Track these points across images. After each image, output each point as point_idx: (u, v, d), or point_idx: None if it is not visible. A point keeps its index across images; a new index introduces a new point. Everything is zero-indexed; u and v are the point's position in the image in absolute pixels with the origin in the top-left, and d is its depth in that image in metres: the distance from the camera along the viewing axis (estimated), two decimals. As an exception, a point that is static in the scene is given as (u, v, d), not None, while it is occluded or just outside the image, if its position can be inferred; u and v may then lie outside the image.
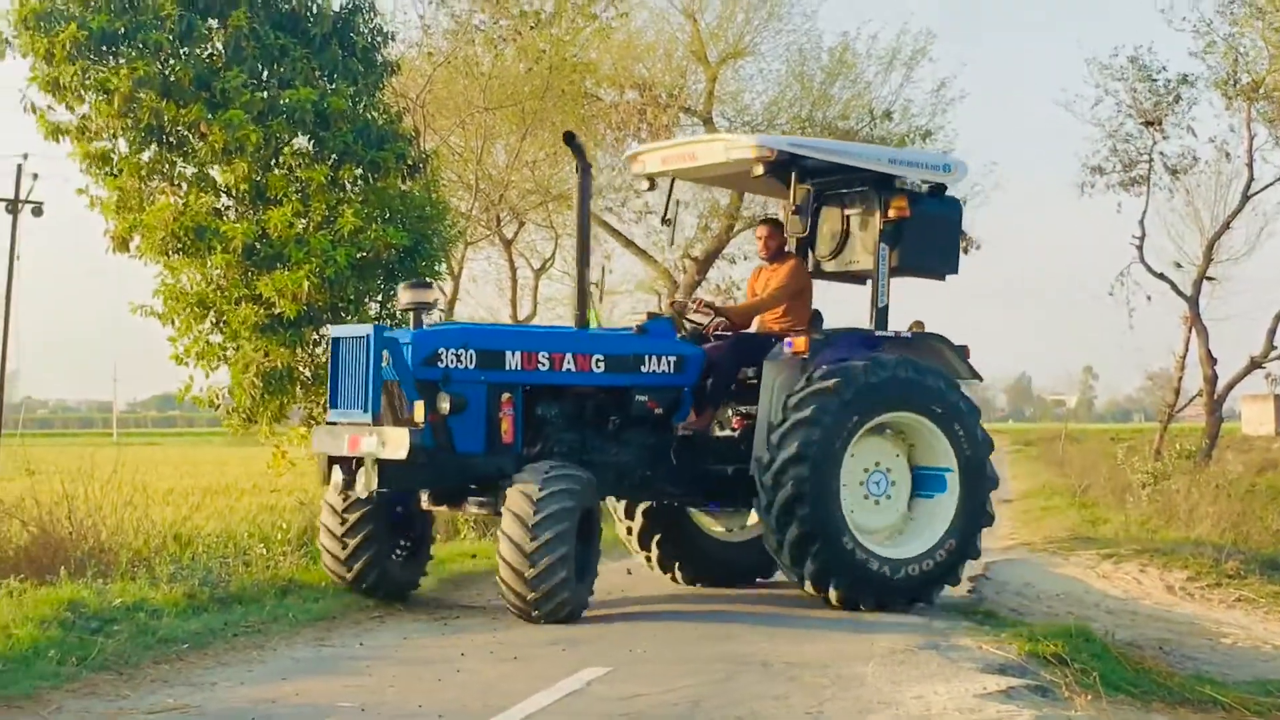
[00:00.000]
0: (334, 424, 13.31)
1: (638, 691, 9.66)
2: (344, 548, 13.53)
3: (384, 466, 12.65)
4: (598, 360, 13.80)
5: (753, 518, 15.17)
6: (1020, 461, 69.04)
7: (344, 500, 13.46)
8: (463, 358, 13.08)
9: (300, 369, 18.13)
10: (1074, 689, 10.39)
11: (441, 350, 13.01)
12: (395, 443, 12.60)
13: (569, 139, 13.97)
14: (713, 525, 15.67)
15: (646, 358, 14.07)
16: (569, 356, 13.64)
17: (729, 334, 14.74)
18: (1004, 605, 15.37)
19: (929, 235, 14.60)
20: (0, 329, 46.34)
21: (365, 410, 12.89)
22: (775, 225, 15.07)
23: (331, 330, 13.81)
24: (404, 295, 13.51)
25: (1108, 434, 66.98)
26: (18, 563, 13.02)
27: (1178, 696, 11.77)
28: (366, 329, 13.03)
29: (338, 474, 13.13)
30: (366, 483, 12.76)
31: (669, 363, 14.20)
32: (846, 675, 10.33)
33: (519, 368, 13.40)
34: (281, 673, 10.31)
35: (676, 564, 15.54)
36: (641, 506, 15.36)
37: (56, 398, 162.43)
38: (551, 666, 10.47)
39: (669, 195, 15.09)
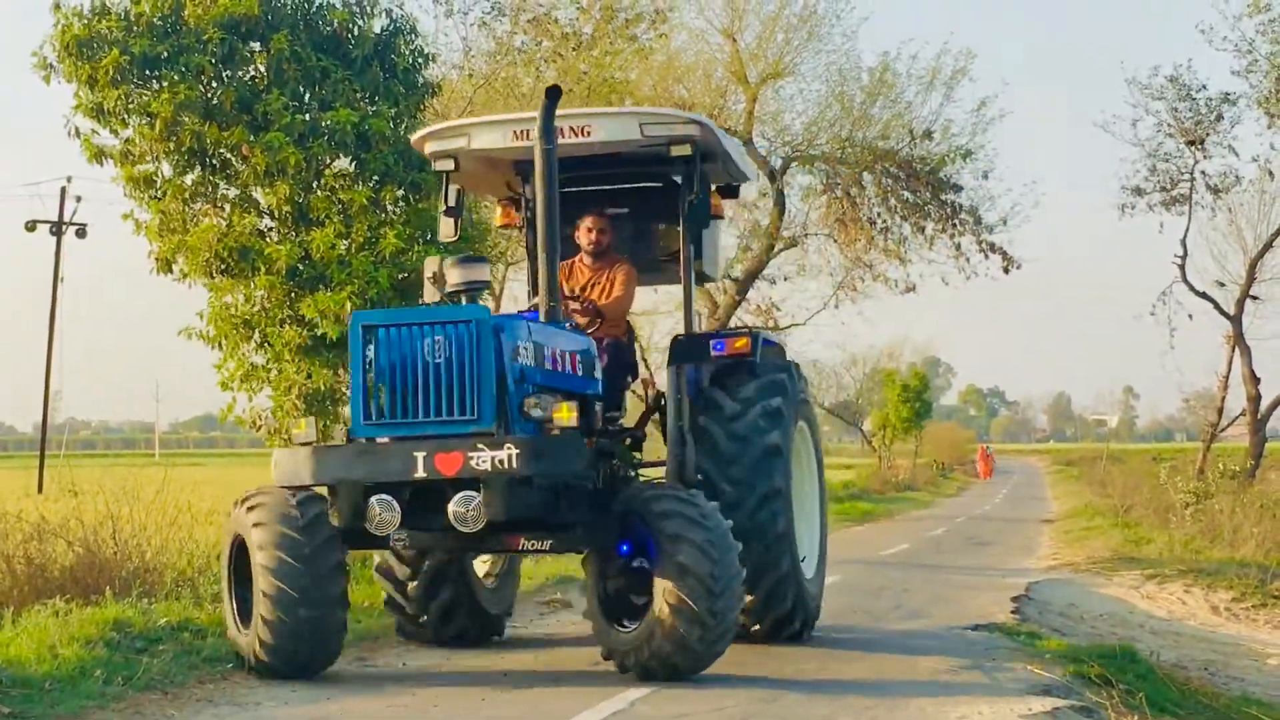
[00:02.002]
0: (373, 440, 10.45)
1: (683, 711, 9.64)
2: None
3: (508, 492, 10.08)
4: (576, 359, 11.68)
5: (500, 562, 13.34)
6: (1062, 482, 68.85)
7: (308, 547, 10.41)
8: (527, 352, 10.79)
9: (343, 390, 18.16)
10: (1119, 710, 10.34)
11: (519, 343, 10.71)
12: (561, 453, 10.23)
13: (554, 94, 11.03)
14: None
15: (595, 360, 12.08)
16: (565, 355, 11.45)
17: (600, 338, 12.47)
18: (1048, 626, 15.34)
19: (710, 238, 13.33)
20: (44, 350, 46.66)
21: (479, 416, 10.23)
22: (608, 220, 12.78)
23: (362, 316, 10.74)
24: (453, 273, 10.89)
25: (1149, 454, 66.76)
26: (63, 583, 13.07)
27: (1224, 718, 11.72)
28: (476, 310, 10.60)
29: (384, 510, 10.17)
30: (484, 511, 10.02)
31: (600, 368, 12.20)
32: (891, 696, 10.31)
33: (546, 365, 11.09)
34: (326, 692, 10.33)
35: (452, 618, 12.65)
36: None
37: (99, 418, 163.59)
38: (595, 686, 10.46)
39: (446, 182, 12.73)
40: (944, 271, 35.31)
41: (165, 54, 17.41)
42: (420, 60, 19.29)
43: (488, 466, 9.93)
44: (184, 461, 56.38)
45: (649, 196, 13.21)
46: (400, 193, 17.93)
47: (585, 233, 12.68)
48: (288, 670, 10.47)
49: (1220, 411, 37.86)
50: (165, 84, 17.39)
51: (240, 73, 18.03)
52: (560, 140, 11.56)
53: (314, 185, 17.70)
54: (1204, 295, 36.16)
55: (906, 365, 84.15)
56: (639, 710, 9.71)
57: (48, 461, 41.36)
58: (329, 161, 17.90)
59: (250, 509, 10.58)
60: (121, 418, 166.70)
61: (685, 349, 12.74)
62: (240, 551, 10.76)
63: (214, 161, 17.91)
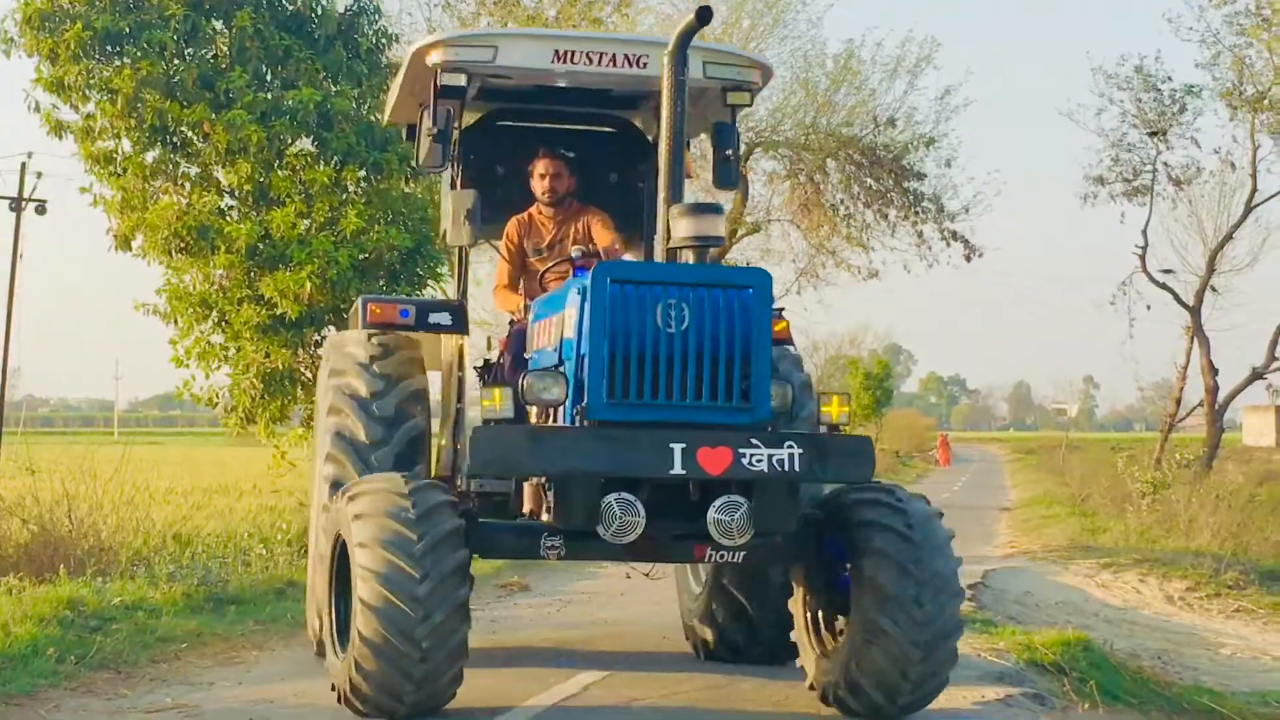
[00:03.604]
0: (613, 424, 8.32)
1: (635, 696, 9.65)
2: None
3: (784, 500, 8.49)
4: None
5: None
6: (1021, 470, 69.08)
7: None
8: None
9: (301, 370, 18.12)
10: (1072, 698, 10.40)
11: None
12: (850, 458, 8.52)
13: (705, 15, 8.66)
14: None
15: None
16: None
17: None
18: (1003, 613, 15.37)
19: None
20: (3, 326, 46.39)
21: (754, 405, 8.44)
22: (564, 163, 10.79)
23: (609, 269, 8.57)
24: (681, 224, 8.59)
25: (1108, 443, 67.04)
26: (17, 561, 13.03)
27: (1176, 706, 11.75)
28: (756, 274, 8.76)
29: (626, 512, 8.13)
30: (750, 521, 8.27)
31: None
32: (844, 682, 10.33)
33: None
34: (280, 674, 10.30)
35: None
36: None
37: (58, 396, 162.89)
38: (548, 671, 10.47)
39: (437, 98, 10.03)
40: (906, 259, 35.35)
41: (127, 29, 17.34)
42: (384, 41, 19.27)
43: (764, 467, 8.21)
44: (143, 440, 56.28)
45: (597, 142, 11.33)
46: (362, 173, 17.89)
47: (538, 179, 10.75)
48: (391, 703, 8.35)
49: (1178, 402, 38.02)
50: (127, 60, 17.32)
51: (203, 50, 17.97)
52: (603, 69, 10.05)
53: (275, 164, 17.65)
54: (1164, 286, 36.32)
55: (868, 352, 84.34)
56: (591, 694, 9.72)
57: (5, 439, 41.11)
58: (291, 141, 17.85)
59: (352, 498, 8.58)
60: (80, 395, 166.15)
61: None
62: (344, 555, 8.79)
63: (175, 139, 17.85)
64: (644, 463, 8.13)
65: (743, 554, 8.78)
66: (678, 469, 8.10)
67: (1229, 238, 36.60)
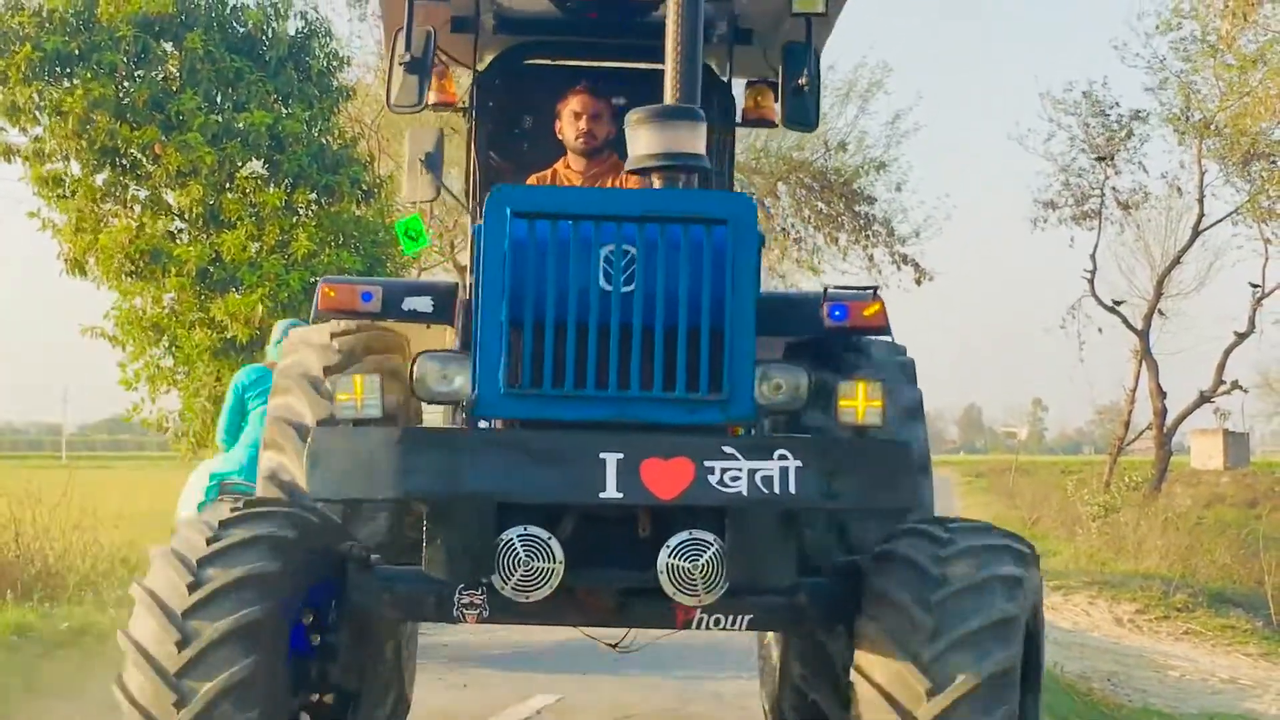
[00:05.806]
0: (519, 425, 5.80)
1: (588, 719, 9.64)
2: None
3: (775, 536, 5.54)
4: None
5: None
6: (971, 493, 69.26)
7: None
8: None
9: (253, 393, 18.06)
10: (1022, 720, 10.41)
11: None
12: (880, 474, 5.60)
13: None
14: None
15: None
16: None
17: None
18: (953, 636, 15.38)
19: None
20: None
21: (728, 395, 5.70)
22: (606, 103, 7.82)
23: (510, 194, 5.81)
24: (643, 136, 5.89)
25: (1058, 466, 67.29)
26: (-37, 586, 12.92)
27: (1125, 728, 11.83)
28: (736, 201, 6.02)
29: (533, 555, 5.43)
30: (724, 570, 5.45)
31: None
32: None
33: None
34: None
35: None
36: None
37: (3, 420, 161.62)
38: (502, 693, 10.44)
39: (412, 19, 7.35)
40: (857, 283, 35.51)
41: (78, 50, 17.28)
42: (335, 63, 19.26)
43: (741, 488, 5.42)
44: (91, 464, 55.92)
45: (650, 83, 7.47)
46: (313, 195, 17.88)
47: (570, 120, 7.76)
48: None
49: (1127, 425, 38.19)
50: (78, 81, 17.26)
51: (153, 72, 17.91)
52: None
53: (226, 187, 17.61)
54: (1113, 309, 36.53)
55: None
56: (544, 717, 9.71)
57: (-49, 462, 40.88)
58: (242, 163, 17.82)
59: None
60: (27, 419, 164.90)
61: (773, 314, 6.70)
62: None
63: (124, 161, 17.79)
64: (561, 482, 5.44)
65: (747, 618, 6.04)
66: (611, 491, 5.41)
67: (1176, 262, 36.85)
